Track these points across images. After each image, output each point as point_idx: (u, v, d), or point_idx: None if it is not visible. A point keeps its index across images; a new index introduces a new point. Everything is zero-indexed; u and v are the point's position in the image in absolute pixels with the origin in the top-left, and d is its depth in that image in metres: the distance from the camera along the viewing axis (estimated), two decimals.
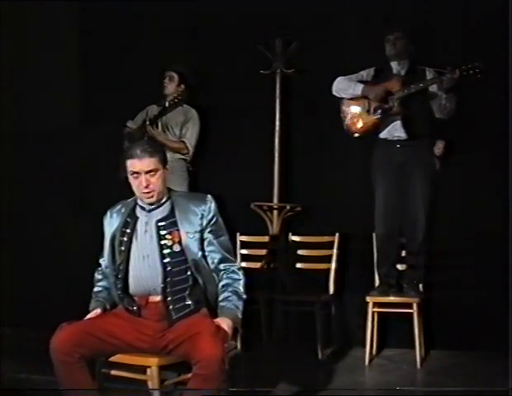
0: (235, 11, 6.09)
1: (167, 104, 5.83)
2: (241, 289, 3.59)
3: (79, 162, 6.53)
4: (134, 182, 3.59)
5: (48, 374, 3.65)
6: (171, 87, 5.90)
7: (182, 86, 5.90)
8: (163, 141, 5.61)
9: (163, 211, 3.61)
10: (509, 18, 5.16)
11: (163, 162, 3.61)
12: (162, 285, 3.50)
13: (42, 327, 5.97)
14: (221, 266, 3.61)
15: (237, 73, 6.06)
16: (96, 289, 3.76)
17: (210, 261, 3.60)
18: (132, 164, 3.56)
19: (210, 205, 3.63)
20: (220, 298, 3.56)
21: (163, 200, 3.63)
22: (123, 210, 3.69)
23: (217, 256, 3.60)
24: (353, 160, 5.75)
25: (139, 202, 3.65)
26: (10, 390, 4.40)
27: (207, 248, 3.59)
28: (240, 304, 3.55)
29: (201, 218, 3.59)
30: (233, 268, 3.63)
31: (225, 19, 6.15)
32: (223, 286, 3.58)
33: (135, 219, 3.63)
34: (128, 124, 5.98)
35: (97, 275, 3.81)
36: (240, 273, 3.63)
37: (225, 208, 4.02)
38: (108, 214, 3.75)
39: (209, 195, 3.67)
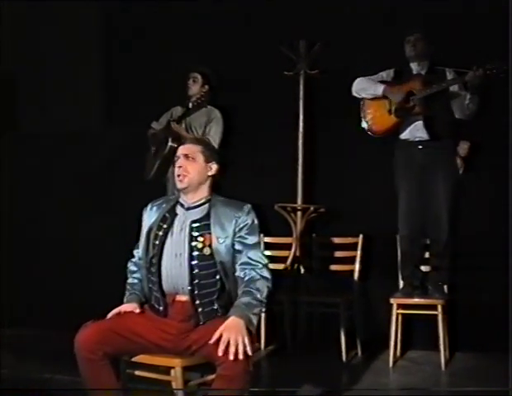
0: (259, 12, 6.09)
1: (190, 105, 5.85)
2: (256, 287, 3.44)
3: (103, 163, 6.56)
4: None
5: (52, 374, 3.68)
6: (195, 88, 5.91)
7: (206, 87, 5.89)
8: (187, 137, 5.59)
9: (199, 212, 3.60)
10: (509, 18, 5.13)
11: (209, 157, 3.63)
12: (189, 287, 3.49)
13: (45, 327, 6.09)
14: (241, 268, 3.52)
15: (261, 74, 6.05)
16: (130, 280, 3.76)
17: (237, 267, 3.55)
18: (178, 150, 3.65)
19: (247, 213, 3.58)
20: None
21: (202, 201, 3.62)
22: (164, 205, 3.69)
23: (241, 262, 3.54)
24: (377, 161, 5.72)
25: (180, 199, 3.66)
26: (13, 390, 4.42)
27: (236, 254, 3.56)
28: (251, 301, 3.39)
29: (235, 224, 3.54)
30: (255, 269, 3.51)
31: (248, 20, 6.16)
32: (240, 287, 3.50)
33: (174, 215, 3.62)
34: (153, 126, 5.99)
35: (132, 267, 3.79)
36: (261, 272, 3.50)
37: None
38: (149, 206, 3.74)
39: (248, 204, 3.62)
